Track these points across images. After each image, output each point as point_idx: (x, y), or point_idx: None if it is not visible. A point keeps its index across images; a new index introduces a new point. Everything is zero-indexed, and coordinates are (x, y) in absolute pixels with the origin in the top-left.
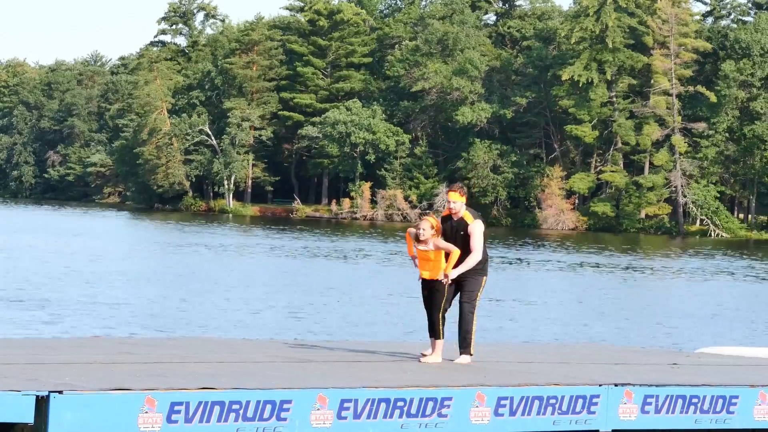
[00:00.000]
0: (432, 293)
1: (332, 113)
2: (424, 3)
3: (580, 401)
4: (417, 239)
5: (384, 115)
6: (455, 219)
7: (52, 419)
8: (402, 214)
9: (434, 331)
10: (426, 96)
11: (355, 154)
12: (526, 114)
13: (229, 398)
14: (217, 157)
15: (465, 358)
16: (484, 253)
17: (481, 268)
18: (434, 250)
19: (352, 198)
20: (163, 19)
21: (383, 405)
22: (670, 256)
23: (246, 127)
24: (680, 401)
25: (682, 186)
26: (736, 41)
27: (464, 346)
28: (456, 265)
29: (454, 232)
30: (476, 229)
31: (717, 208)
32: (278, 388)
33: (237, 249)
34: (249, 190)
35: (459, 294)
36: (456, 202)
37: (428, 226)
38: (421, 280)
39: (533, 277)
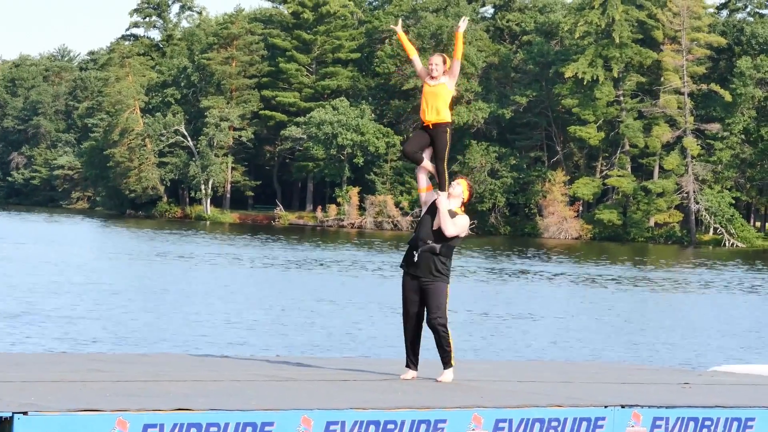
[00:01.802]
0: (437, 141)
1: (317, 113)
2: None
3: (585, 424)
4: (429, 76)
5: (373, 115)
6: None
7: None
8: (392, 222)
9: (441, 183)
10: (418, 94)
11: (342, 157)
12: (527, 114)
13: (206, 420)
14: (194, 159)
15: (449, 375)
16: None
17: (445, 275)
18: (446, 83)
19: (338, 204)
20: (136, 11)
21: (372, 428)
22: (681, 267)
23: (225, 127)
24: (692, 424)
25: (694, 192)
26: (752, 36)
27: (446, 362)
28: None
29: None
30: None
31: (732, 216)
32: (259, 409)
33: (215, 259)
34: (228, 195)
35: (427, 308)
36: (459, 185)
37: (441, 61)
38: (420, 129)
39: (534, 290)
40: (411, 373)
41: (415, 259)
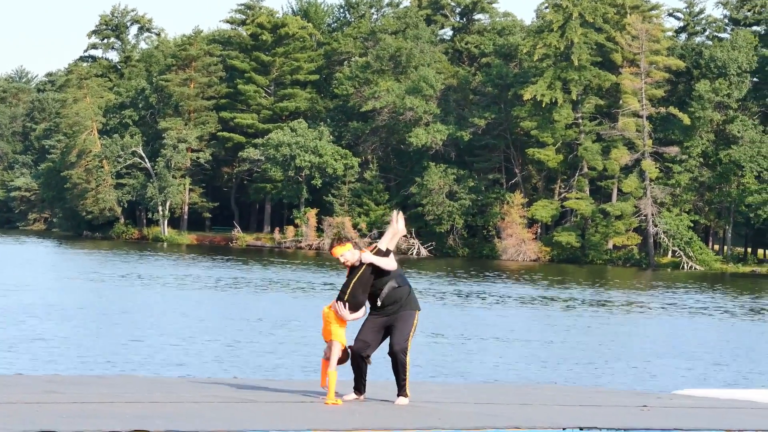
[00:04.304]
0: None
1: (276, 134)
2: (375, 16)
3: None
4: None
5: (331, 137)
6: (359, 264)
7: None
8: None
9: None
10: (377, 116)
11: (300, 179)
12: (485, 136)
13: None
14: (151, 181)
15: (403, 401)
16: (403, 278)
17: (413, 301)
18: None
19: (296, 226)
20: (94, 32)
21: None
22: (640, 290)
23: (182, 148)
24: None
25: (652, 215)
26: (711, 59)
27: (401, 388)
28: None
29: (367, 273)
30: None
31: (690, 239)
32: (218, 430)
33: (172, 280)
34: (185, 216)
35: (391, 336)
36: (344, 254)
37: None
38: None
39: (492, 313)
40: (353, 396)
41: (379, 303)
